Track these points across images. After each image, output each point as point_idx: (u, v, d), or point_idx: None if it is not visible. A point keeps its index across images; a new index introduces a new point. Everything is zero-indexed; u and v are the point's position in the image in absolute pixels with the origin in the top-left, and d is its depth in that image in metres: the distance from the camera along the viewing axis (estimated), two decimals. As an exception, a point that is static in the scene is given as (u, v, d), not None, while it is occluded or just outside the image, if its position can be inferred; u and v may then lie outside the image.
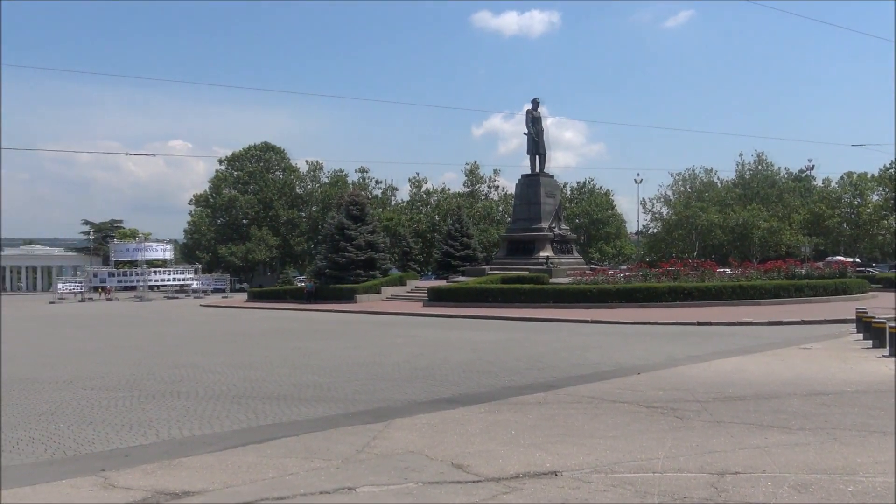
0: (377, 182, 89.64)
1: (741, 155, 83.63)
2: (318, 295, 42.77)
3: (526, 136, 45.14)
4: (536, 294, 31.70)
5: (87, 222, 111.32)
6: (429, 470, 6.38)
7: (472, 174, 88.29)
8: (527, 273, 37.05)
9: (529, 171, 45.28)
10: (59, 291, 65.02)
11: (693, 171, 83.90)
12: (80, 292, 63.99)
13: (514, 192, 50.75)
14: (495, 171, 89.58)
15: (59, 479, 6.37)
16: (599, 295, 30.37)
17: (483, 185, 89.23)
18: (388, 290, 42.91)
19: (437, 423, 8.35)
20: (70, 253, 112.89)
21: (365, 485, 5.95)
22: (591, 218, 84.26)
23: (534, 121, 44.71)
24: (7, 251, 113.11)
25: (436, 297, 35.11)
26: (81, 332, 25.26)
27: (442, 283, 42.92)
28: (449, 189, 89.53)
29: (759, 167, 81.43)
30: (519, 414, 8.87)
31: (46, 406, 10.15)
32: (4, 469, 6.84)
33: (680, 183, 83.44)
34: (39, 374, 13.62)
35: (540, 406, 9.40)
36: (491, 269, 42.43)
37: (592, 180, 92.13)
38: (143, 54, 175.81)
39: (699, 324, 22.09)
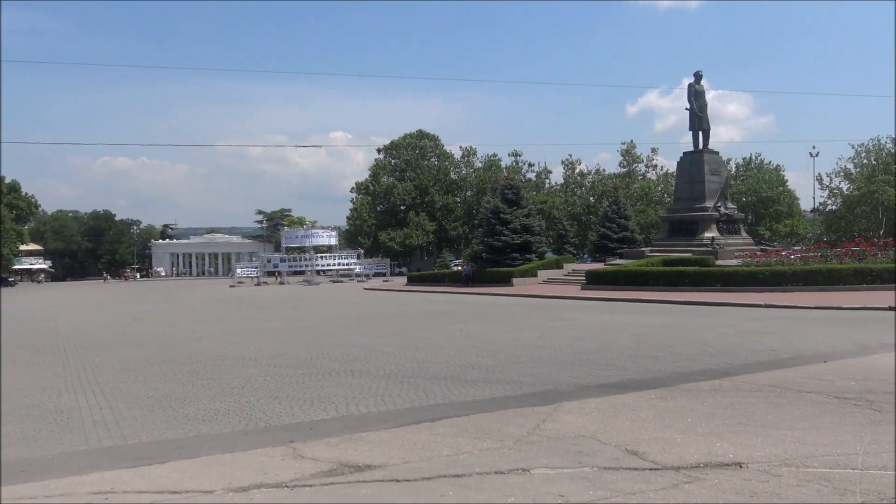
0: (530, 165, 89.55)
1: (937, 120, 74.66)
2: (474, 278, 43.36)
3: (687, 112, 43.05)
4: (702, 277, 30.22)
5: (259, 212, 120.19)
6: (603, 455, 6.27)
7: (629, 154, 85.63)
8: (690, 255, 35.44)
9: (691, 148, 43.19)
10: (237, 276, 70.47)
11: (878, 140, 76.02)
12: (256, 277, 68.98)
13: (674, 171, 48.70)
14: (653, 150, 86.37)
15: (254, 447, 6.89)
16: (773, 277, 28.45)
17: (640, 165, 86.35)
18: (545, 274, 42.72)
19: (607, 408, 8.18)
20: (246, 240, 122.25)
21: (539, 467, 5.95)
22: (759, 196, 79.12)
23: (696, 95, 42.51)
24: (194, 239, 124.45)
25: (594, 280, 34.48)
26: (260, 314, 27.25)
27: (599, 265, 42.10)
28: (604, 170, 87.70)
29: (961, 133, 72.45)
30: (693, 401, 8.50)
31: (237, 381, 11.03)
32: (207, 436, 7.52)
33: (863, 155, 75.90)
34: (228, 352, 14.84)
35: (715, 394, 8.95)
36: (651, 252, 41.02)
37: (760, 155, 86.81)
38: (304, 50, 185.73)
39: (892, 308, 20.11)
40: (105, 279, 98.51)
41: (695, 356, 12.38)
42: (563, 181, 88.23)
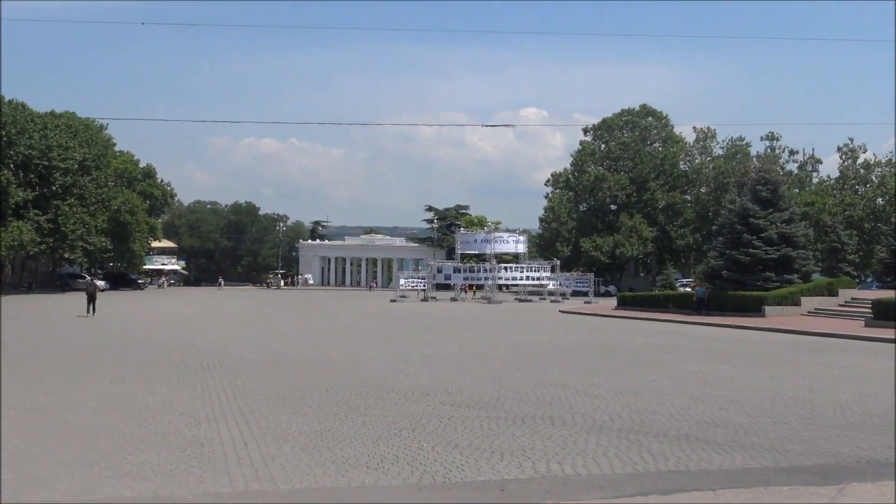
0: (792, 153, 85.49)
1: None
2: (710, 304, 42.00)
3: None
4: None
5: (430, 208, 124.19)
6: (917, 563, 5.74)
7: (940, 137, 79.03)
8: None
9: None
10: (400, 288, 72.92)
11: None
12: (423, 289, 71.04)
13: None
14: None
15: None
16: None
17: (959, 153, 79.38)
18: (811, 302, 40.64)
19: (919, 497, 7.52)
20: (412, 244, 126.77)
21: (821, 571, 5.56)
22: None
23: None
24: (349, 240, 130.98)
25: (883, 314, 32.10)
26: (430, 336, 28.09)
27: (891, 293, 39.21)
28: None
29: None
30: None
31: (406, 420, 11.36)
32: (372, 488, 7.77)
33: None
34: (394, 383, 15.36)
35: None
36: (973, 277, 37.59)
37: None
38: (491, 7, 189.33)
39: None
40: (220, 285, 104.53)
41: None
42: (838, 175, 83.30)
